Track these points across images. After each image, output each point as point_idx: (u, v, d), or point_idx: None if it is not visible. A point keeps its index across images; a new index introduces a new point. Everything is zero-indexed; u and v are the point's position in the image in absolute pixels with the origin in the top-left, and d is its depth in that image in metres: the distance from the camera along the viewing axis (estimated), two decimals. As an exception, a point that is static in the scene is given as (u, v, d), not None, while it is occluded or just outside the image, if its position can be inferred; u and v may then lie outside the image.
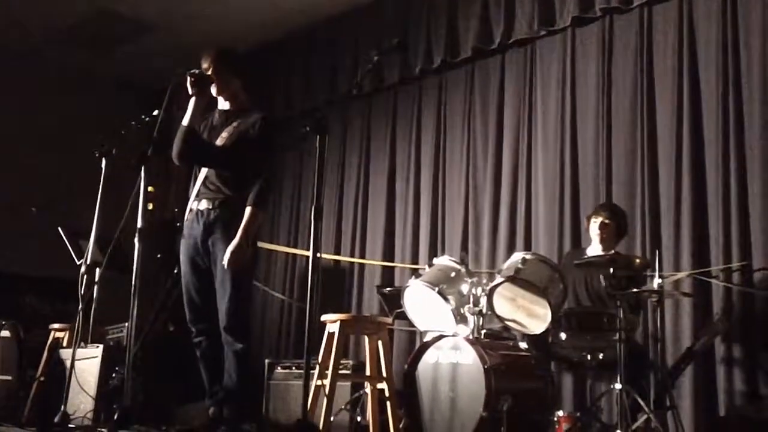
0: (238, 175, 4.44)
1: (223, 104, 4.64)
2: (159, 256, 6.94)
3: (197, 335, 4.48)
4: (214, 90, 4.58)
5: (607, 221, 5.45)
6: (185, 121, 4.50)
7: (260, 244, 4.75)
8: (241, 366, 4.35)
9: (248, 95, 4.69)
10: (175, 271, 4.68)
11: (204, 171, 4.56)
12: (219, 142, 4.50)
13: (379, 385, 5.00)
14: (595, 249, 5.52)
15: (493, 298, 5.05)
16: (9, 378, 6.21)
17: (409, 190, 7.46)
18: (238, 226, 4.34)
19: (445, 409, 4.91)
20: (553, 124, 6.46)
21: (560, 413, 5.01)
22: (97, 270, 5.46)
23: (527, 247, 6.30)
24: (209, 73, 4.51)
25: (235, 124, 4.52)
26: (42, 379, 5.97)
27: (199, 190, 4.52)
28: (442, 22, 7.14)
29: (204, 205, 4.47)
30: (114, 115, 6.13)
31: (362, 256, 7.69)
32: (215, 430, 4.25)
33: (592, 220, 5.52)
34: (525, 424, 4.80)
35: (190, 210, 4.54)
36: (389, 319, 5.58)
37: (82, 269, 5.47)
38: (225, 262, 4.28)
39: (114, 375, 5.34)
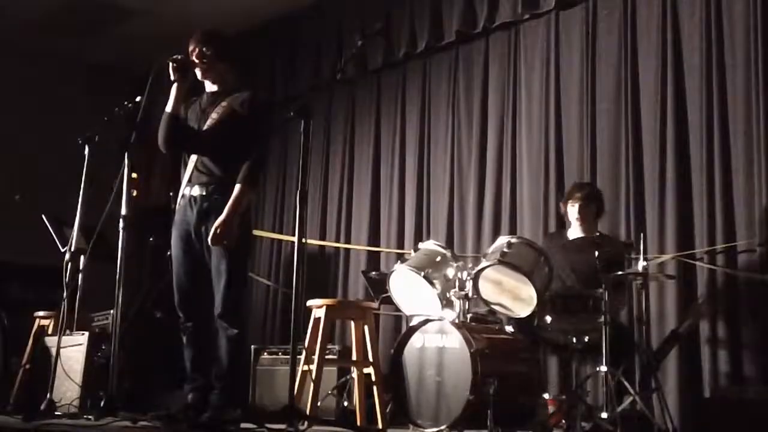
0: (229, 156, 4.37)
1: (210, 87, 4.59)
2: (151, 239, 6.92)
3: (185, 320, 4.45)
4: (199, 73, 4.54)
5: (584, 204, 5.42)
6: (168, 108, 4.45)
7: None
8: (233, 352, 4.31)
9: (237, 76, 4.64)
10: (168, 253, 4.63)
11: (195, 155, 4.50)
12: (209, 123, 4.45)
13: (366, 370, 5.01)
14: (575, 231, 5.50)
15: (478, 282, 5.05)
16: (-6, 366, 6.19)
17: (394, 175, 7.45)
18: None
19: (432, 393, 4.92)
20: (538, 107, 6.46)
21: (546, 396, 5.05)
22: (82, 258, 5.45)
23: (512, 231, 6.29)
24: (194, 56, 4.47)
25: (223, 104, 4.46)
26: (27, 366, 5.95)
27: (191, 175, 4.44)
28: (426, 6, 7.12)
29: (197, 191, 4.39)
30: (94, 101, 6.09)
31: (347, 241, 7.69)
32: (198, 417, 4.22)
33: (569, 204, 5.48)
34: (511, 407, 4.82)
35: (183, 196, 4.46)
36: (375, 304, 5.57)
37: (67, 257, 5.45)
38: (209, 239, 4.24)
39: (99, 353, 5.34)
